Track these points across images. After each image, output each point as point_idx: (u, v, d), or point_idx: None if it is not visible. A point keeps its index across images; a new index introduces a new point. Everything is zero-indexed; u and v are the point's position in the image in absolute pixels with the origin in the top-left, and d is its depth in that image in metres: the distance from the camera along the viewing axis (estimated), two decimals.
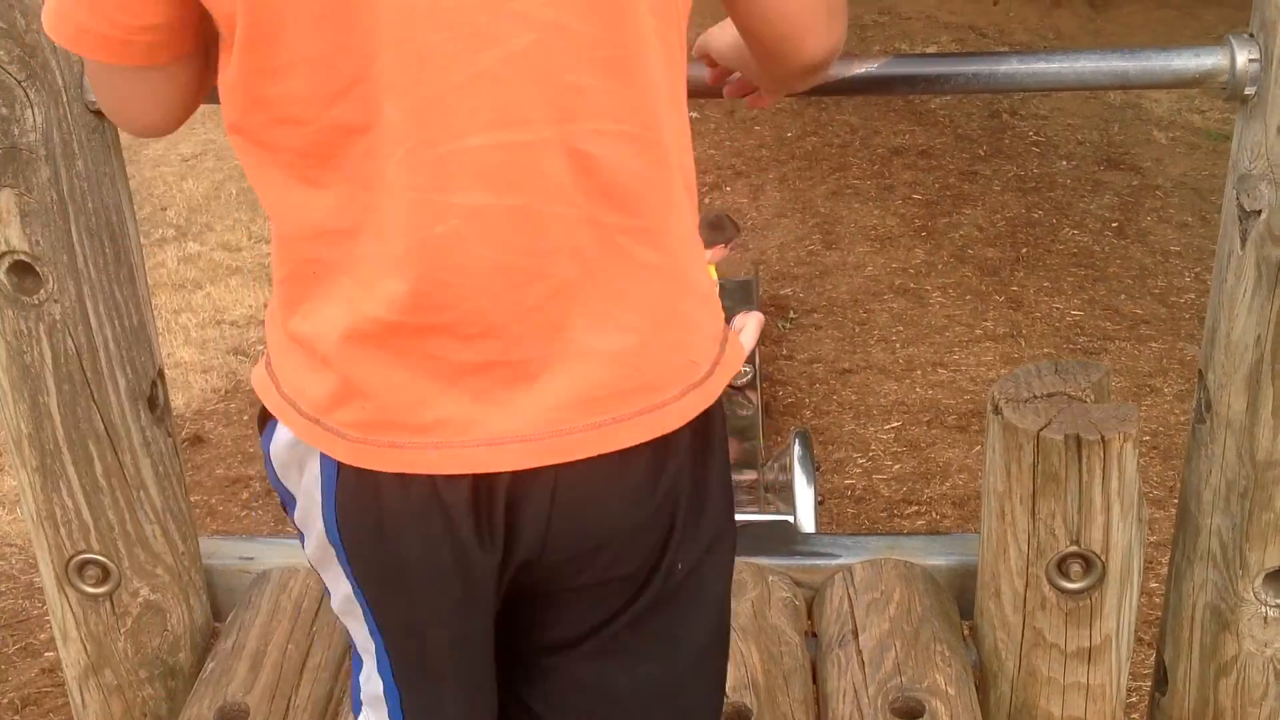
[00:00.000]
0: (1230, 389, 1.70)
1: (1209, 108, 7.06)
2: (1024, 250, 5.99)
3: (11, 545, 4.04)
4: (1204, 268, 5.80)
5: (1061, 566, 1.78)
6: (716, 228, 5.20)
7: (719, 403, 1.24)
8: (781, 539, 1.99)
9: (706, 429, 1.23)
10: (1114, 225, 6.21)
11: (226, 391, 5.10)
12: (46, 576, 1.93)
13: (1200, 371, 1.77)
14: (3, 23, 1.61)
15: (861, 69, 1.61)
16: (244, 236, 6.31)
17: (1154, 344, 5.28)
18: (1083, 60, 1.62)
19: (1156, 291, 5.69)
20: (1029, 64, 1.62)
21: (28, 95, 1.64)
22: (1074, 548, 1.77)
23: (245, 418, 4.92)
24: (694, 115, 7.27)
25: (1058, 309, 5.54)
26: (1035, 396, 1.78)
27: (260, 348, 5.34)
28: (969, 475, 4.47)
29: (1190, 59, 1.59)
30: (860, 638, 1.95)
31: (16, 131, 1.66)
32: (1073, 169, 6.69)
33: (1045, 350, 5.20)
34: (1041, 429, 1.72)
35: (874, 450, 4.63)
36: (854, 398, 4.96)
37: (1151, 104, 7.20)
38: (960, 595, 2.06)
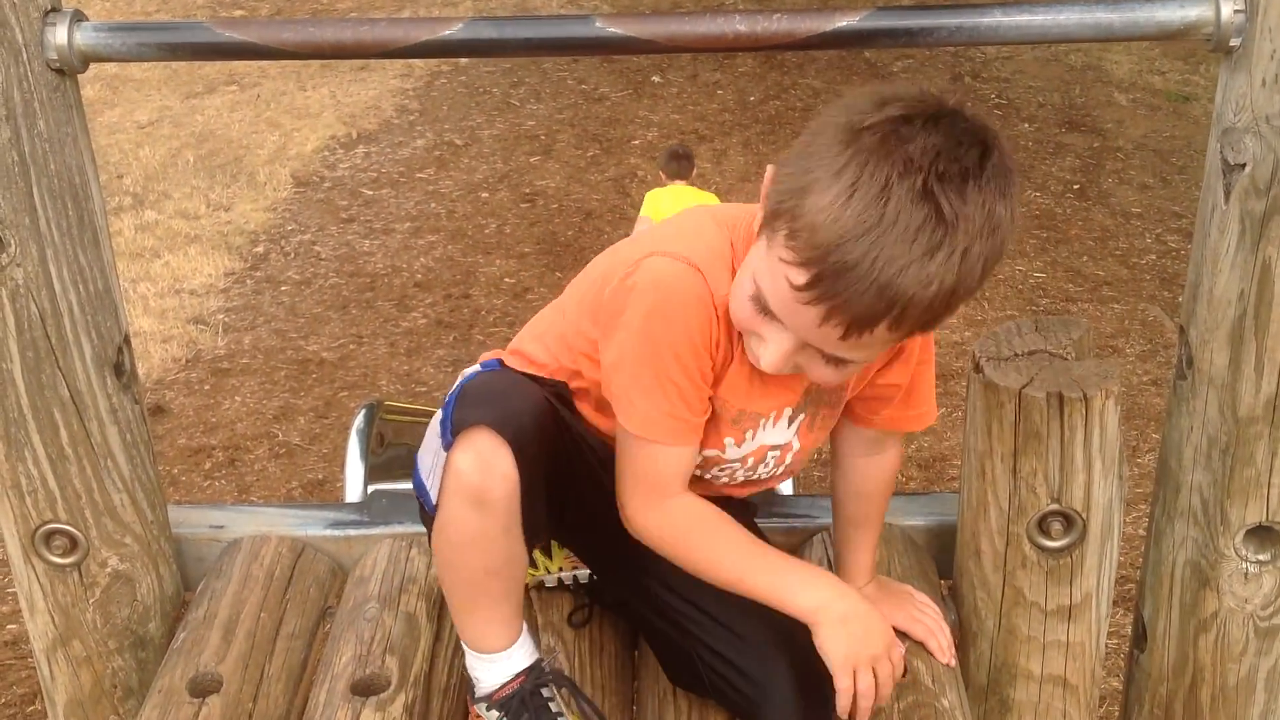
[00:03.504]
0: (1213, 345, 1.69)
1: (1169, 69, 7.08)
2: None
3: None
4: (1165, 229, 5.83)
5: (1042, 525, 1.77)
6: (681, 158, 5.32)
7: None
8: (760, 502, 1.97)
9: None
10: (1075, 187, 6.23)
11: (187, 361, 5.03)
12: (12, 547, 1.88)
13: (1181, 327, 1.76)
14: None
15: (843, 22, 1.59)
16: (202, 204, 6.22)
17: (1116, 305, 5.30)
18: (1066, 12, 1.60)
19: (1118, 253, 5.71)
20: (1012, 16, 1.60)
21: None
22: (1055, 506, 1.76)
23: (206, 387, 4.86)
24: (656, 80, 7.23)
25: (1020, 271, 5.55)
26: (1016, 354, 1.77)
27: (220, 316, 5.28)
28: (934, 438, 4.47)
29: (1175, 10, 1.57)
30: None
31: None
32: (1034, 131, 6.70)
33: (1008, 312, 5.21)
34: (1023, 387, 1.71)
35: None
36: None
37: (1112, 65, 7.21)
38: (938, 555, 2.05)
